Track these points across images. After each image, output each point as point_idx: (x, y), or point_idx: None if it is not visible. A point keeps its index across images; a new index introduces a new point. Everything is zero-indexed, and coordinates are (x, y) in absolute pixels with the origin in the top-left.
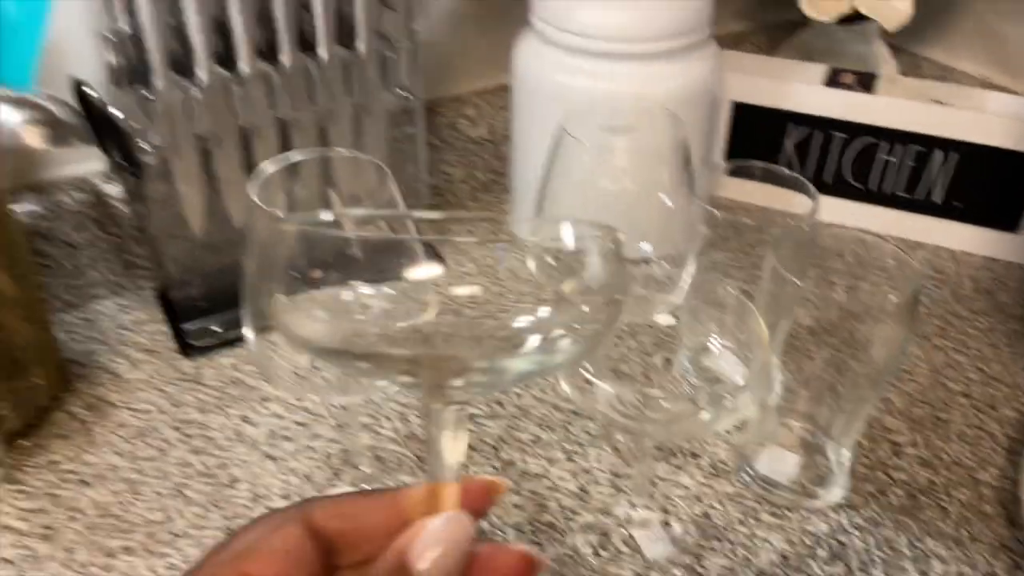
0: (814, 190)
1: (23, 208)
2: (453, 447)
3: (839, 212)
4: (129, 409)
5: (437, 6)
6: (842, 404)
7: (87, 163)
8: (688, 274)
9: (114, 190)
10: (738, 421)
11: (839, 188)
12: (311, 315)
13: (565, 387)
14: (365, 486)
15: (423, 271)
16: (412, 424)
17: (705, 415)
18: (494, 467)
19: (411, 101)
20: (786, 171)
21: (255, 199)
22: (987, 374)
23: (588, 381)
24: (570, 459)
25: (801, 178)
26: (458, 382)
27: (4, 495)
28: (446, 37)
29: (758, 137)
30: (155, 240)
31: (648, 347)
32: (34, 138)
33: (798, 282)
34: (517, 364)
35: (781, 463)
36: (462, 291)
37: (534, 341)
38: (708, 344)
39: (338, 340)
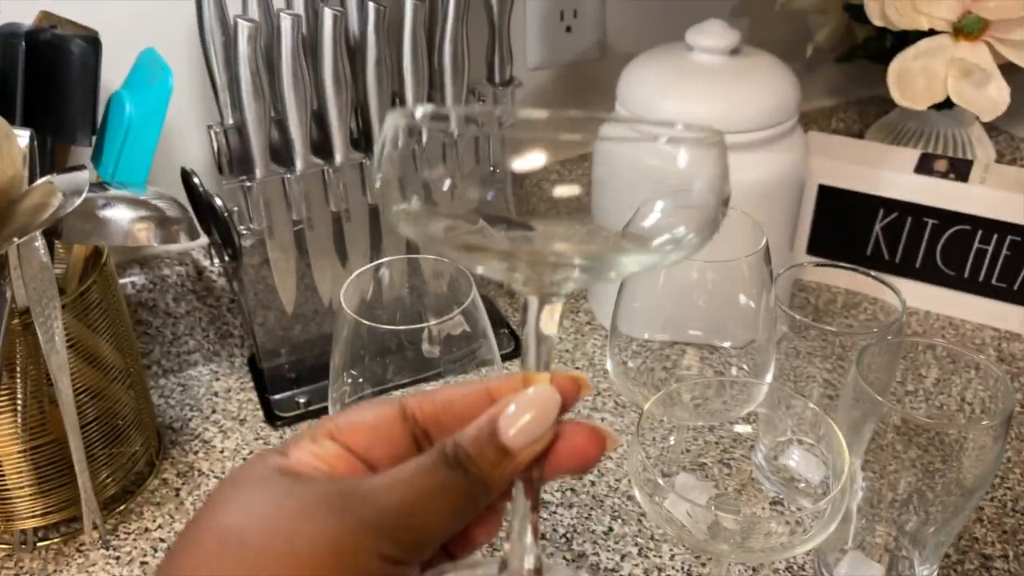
0: (902, 297)
1: (129, 280)
2: (547, 337)
3: (931, 299)
4: (216, 477)
5: (526, 88)
6: (931, 512)
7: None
8: (767, 381)
9: (213, 265)
10: (816, 543)
11: (931, 275)
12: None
13: (638, 496)
14: None
15: None
16: None
17: (780, 533)
18: (565, 558)
19: (499, 175)
20: (872, 274)
21: (343, 303)
22: None
23: (660, 494)
24: (643, 554)
25: (889, 284)
26: (557, 275)
27: (99, 559)
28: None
29: (846, 221)
30: (248, 313)
31: (728, 447)
32: (144, 236)
33: (878, 397)
34: (622, 260)
35: (863, 571)
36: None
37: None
38: (785, 445)
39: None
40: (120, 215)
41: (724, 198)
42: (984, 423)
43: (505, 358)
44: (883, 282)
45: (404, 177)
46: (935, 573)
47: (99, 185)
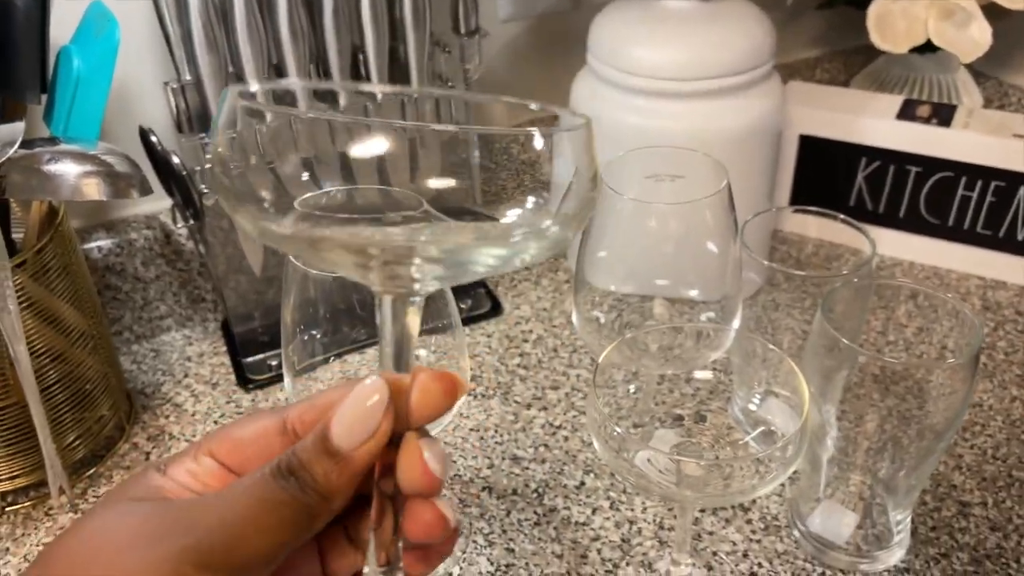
0: (872, 240)
1: (95, 244)
2: (409, 337)
3: (916, 249)
4: (187, 441)
5: (497, 41)
6: (904, 458)
7: (156, 201)
8: (734, 327)
9: (178, 227)
10: (776, 484)
11: (915, 223)
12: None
13: (597, 447)
14: None
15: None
16: (458, 465)
17: (741, 476)
18: (536, 512)
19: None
20: (841, 217)
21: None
22: None
23: (622, 445)
24: (615, 508)
25: (861, 228)
26: (411, 271)
27: (67, 523)
28: (505, 73)
29: (828, 171)
30: (217, 277)
31: (704, 399)
32: (92, 191)
33: (843, 339)
34: (478, 255)
35: (837, 520)
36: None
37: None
38: (763, 396)
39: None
40: (66, 170)
41: (590, 188)
42: (951, 361)
43: (481, 318)
44: (853, 226)
45: (245, 168)
46: (908, 518)
47: (49, 140)
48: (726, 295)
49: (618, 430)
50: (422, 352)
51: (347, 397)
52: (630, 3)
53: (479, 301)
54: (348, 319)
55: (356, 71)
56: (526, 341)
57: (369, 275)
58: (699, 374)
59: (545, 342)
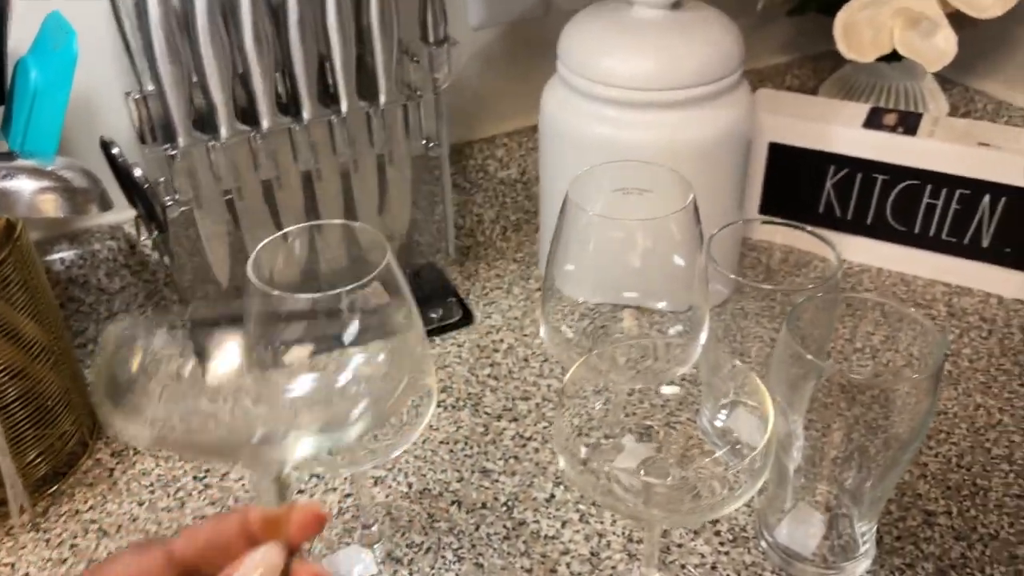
0: (838, 254)
1: (58, 256)
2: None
3: (882, 255)
4: (153, 457)
5: (468, 49)
6: (871, 467)
7: (120, 212)
8: (701, 342)
9: (141, 238)
10: (742, 502)
11: (882, 231)
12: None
13: (563, 465)
14: (377, 546)
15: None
16: (427, 479)
17: (706, 495)
18: (505, 526)
19: (435, 148)
20: (807, 229)
21: (250, 273)
22: None
23: (588, 462)
24: (584, 520)
25: (827, 239)
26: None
27: (28, 542)
28: (476, 80)
29: (797, 178)
30: (183, 288)
31: (673, 409)
32: (49, 207)
33: (809, 356)
34: (307, 445)
35: (803, 531)
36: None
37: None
38: (730, 407)
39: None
40: (22, 186)
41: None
42: (914, 377)
43: (452, 328)
44: (819, 237)
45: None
46: (874, 528)
47: (6, 155)
48: (693, 306)
49: (584, 449)
50: (381, 358)
51: (247, 561)
52: (600, 11)
53: (450, 311)
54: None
55: (323, 80)
56: (497, 351)
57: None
58: (666, 389)
59: (516, 352)
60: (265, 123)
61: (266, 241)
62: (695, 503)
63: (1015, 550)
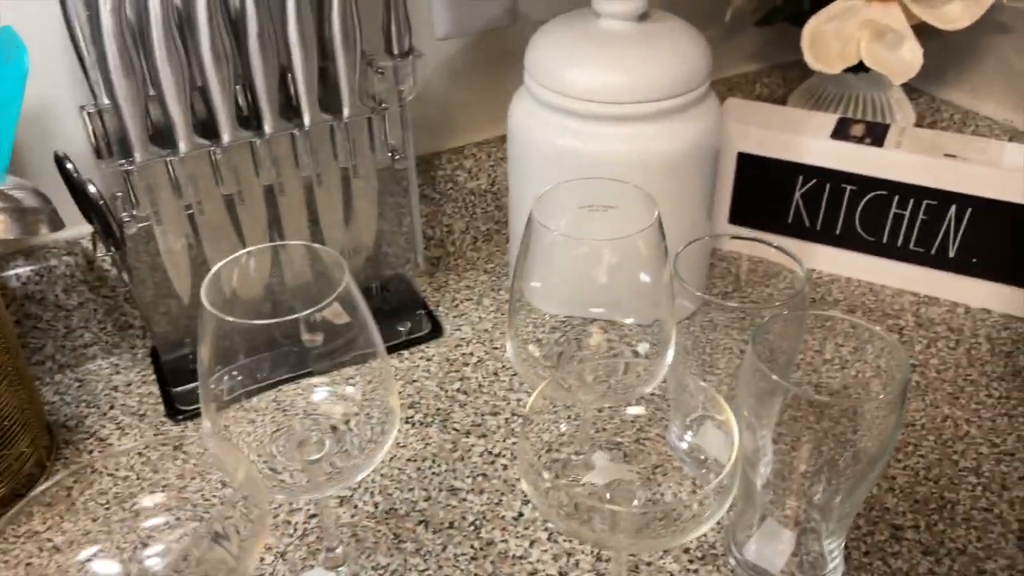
0: (805, 271)
1: (13, 272)
2: None
3: (851, 265)
4: (110, 476)
5: (434, 60)
6: (840, 481)
7: (78, 226)
8: (667, 362)
9: (97, 254)
10: (706, 528)
11: (850, 241)
12: None
13: (527, 489)
14: (341, 568)
15: None
16: (393, 498)
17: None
18: (473, 546)
19: (401, 161)
20: (774, 244)
21: (203, 299)
22: (1000, 449)
23: (550, 485)
24: (553, 539)
25: (793, 255)
26: None
27: None
28: (443, 91)
29: (766, 188)
30: (143, 304)
31: (643, 425)
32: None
33: (775, 376)
34: None
35: (772, 548)
36: None
37: None
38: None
39: None
40: None
41: None
42: (880, 397)
43: (421, 341)
44: (786, 252)
45: None
46: (842, 544)
47: None
48: (660, 321)
49: (549, 472)
50: (349, 389)
51: None
52: (566, 23)
53: (419, 323)
54: (270, 356)
55: (285, 93)
56: (466, 364)
57: None
58: (632, 410)
59: (485, 365)
60: (225, 137)
61: (220, 265)
62: (662, 528)
63: (983, 565)
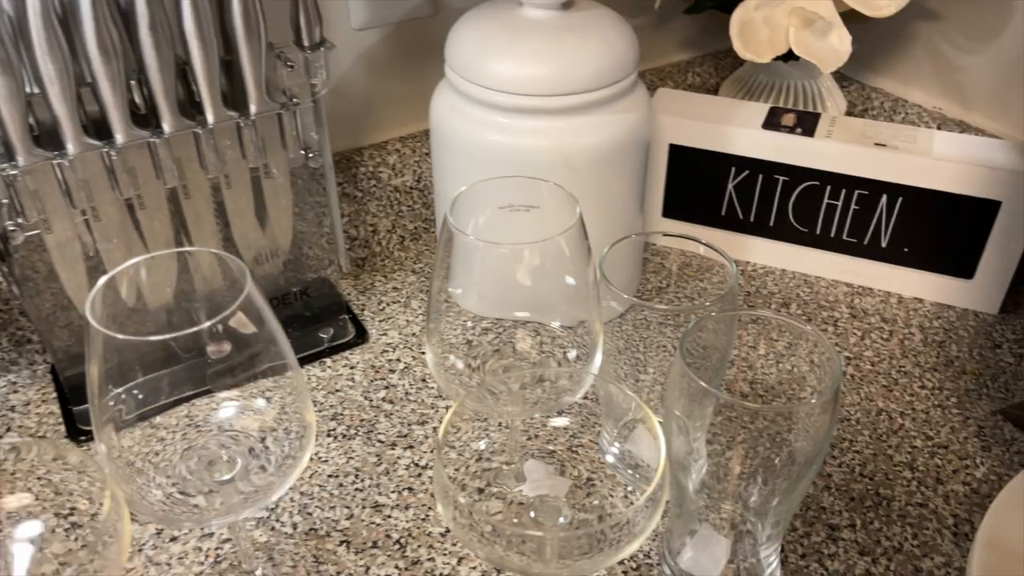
0: (735, 270)
1: None
2: None
3: (785, 257)
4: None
5: (351, 52)
6: (776, 482)
7: None
8: (597, 358)
9: None
10: (633, 550)
11: (784, 232)
12: None
13: (442, 513)
14: None
15: None
16: (313, 517)
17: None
18: (398, 567)
19: (317, 158)
20: (703, 242)
21: (88, 315)
22: (934, 442)
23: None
24: None
25: (723, 253)
26: None
27: None
28: (363, 83)
29: (699, 180)
30: (38, 318)
31: (576, 431)
32: None
33: (702, 383)
34: None
35: (708, 556)
36: None
37: None
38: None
39: None
40: None
41: None
42: (812, 402)
43: (345, 347)
44: (715, 250)
45: None
46: (779, 548)
47: None
48: (587, 322)
49: (462, 499)
50: (261, 403)
51: None
52: (487, 12)
53: (342, 329)
54: (171, 372)
55: (187, 88)
56: (393, 371)
57: None
58: (558, 421)
59: (413, 372)
60: (119, 137)
61: (107, 276)
62: (591, 548)
63: (919, 563)
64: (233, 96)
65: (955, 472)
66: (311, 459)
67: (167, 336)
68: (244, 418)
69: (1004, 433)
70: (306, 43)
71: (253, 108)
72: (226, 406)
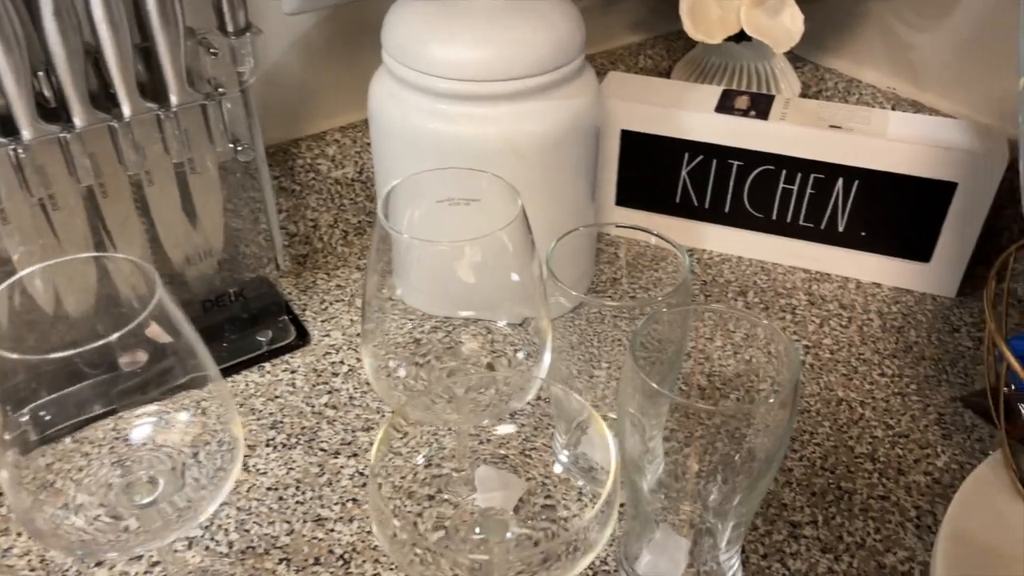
0: (688, 262)
1: None
2: None
3: (741, 243)
4: None
5: (285, 38)
6: (736, 481)
7: None
8: (546, 358)
9: None
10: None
11: (740, 218)
12: None
13: (376, 534)
14: None
15: None
16: (251, 535)
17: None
18: None
19: (247, 151)
20: (654, 233)
21: None
22: (895, 431)
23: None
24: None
25: (675, 244)
26: None
27: None
28: (298, 71)
29: (652, 166)
30: None
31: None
32: None
33: (653, 384)
34: None
35: (667, 560)
36: None
37: None
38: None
39: None
40: None
41: None
42: (770, 401)
43: (285, 351)
44: (667, 240)
45: None
46: (739, 550)
47: None
48: (534, 320)
49: (396, 524)
50: (182, 418)
51: None
52: None
53: (282, 332)
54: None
55: (101, 78)
56: (336, 375)
57: None
58: (503, 429)
59: (357, 374)
60: (25, 133)
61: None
62: (540, 566)
63: (882, 559)
64: (153, 87)
65: (916, 462)
66: (249, 471)
67: (67, 354)
68: (165, 434)
69: (964, 420)
70: (230, 28)
71: (174, 99)
72: (143, 423)
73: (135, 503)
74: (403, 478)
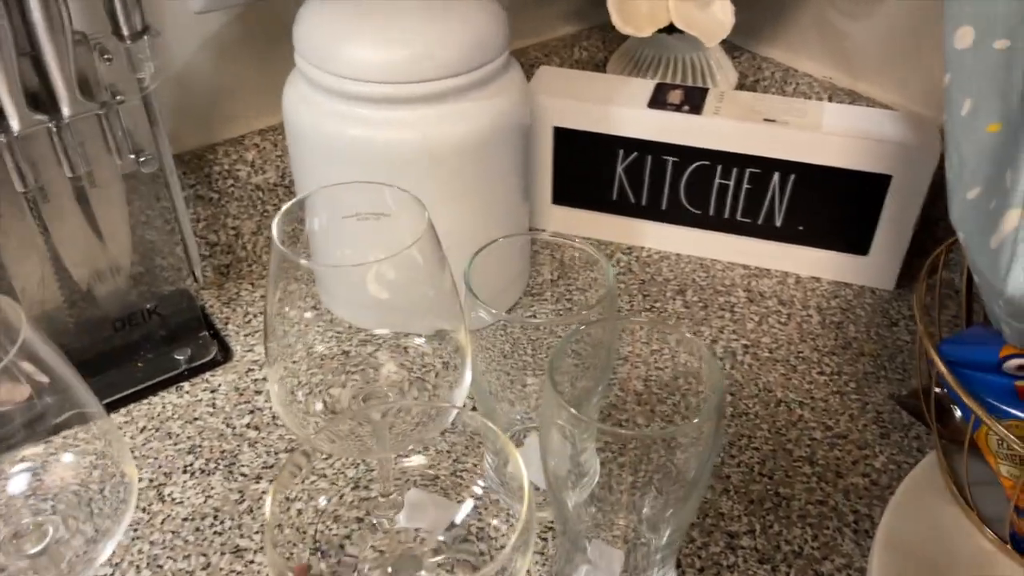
0: (613, 276)
1: None
2: None
3: (679, 240)
4: None
5: (194, 38)
6: (671, 490)
7: None
8: (466, 377)
9: None
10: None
11: (677, 215)
12: None
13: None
14: None
15: None
16: (164, 570)
17: None
18: None
19: (151, 161)
20: (578, 239)
21: None
22: (834, 432)
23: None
24: None
25: (598, 253)
26: None
27: None
28: (211, 74)
29: (587, 164)
30: None
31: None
32: None
33: (573, 411)
34: None
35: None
36: None
37: None
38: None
39: None
40: None
41: None
42: (694, 422)
43: (205, 368)
44: (588, 251)
45: None
46: (674, 565)
47: None
48: (451, 337)
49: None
50: (67, 456)
51: None
52: None
53: (201, 348)
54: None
55: None
56: (259, 393)
57: None
58: (416, 459)
59: None
60: None
61: None
62: None
63: (820, 567)
64: (43, 97)
65: (854, 463)
66: (164, 501)
67: None
68: (48, 477)
69: (902, 418)
70: (125, 32)
71: (66, 110)
72: (22, 468)
73: (24, 553)
74: (329, 500)
